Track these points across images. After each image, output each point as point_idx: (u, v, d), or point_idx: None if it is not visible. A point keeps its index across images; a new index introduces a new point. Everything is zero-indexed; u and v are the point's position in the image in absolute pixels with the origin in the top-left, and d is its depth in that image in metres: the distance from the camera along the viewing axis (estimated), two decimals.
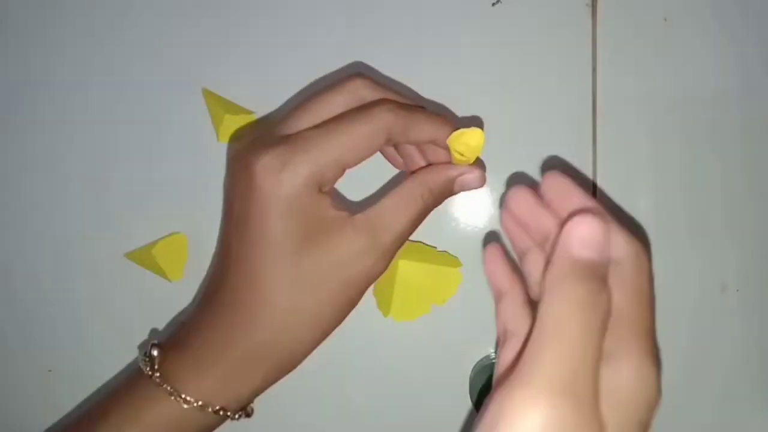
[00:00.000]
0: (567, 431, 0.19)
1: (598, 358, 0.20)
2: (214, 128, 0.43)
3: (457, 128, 0.31)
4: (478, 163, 0.32)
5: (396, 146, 0.35)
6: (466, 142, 0.31)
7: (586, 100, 0.42)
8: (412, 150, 0.34)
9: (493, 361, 0.42)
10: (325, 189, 0.30)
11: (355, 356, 0.44)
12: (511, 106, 0.43)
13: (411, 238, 0.43)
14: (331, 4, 0.43)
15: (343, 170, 0.30)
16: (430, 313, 0.43)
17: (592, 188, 0.43)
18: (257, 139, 0.30)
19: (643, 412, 0.22)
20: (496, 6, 0.43)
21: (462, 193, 0.43)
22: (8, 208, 0.45)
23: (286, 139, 0.29)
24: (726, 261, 0.43)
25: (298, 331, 0.30)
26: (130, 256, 0.44)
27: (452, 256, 0.42)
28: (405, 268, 0.42)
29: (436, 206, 0.32)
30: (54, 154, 0.45)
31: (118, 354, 0.45)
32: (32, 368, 0.45)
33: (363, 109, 0.30)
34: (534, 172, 0.43)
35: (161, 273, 0.43)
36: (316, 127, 0.30)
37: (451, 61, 0.43)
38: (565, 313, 0.20)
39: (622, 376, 0.22)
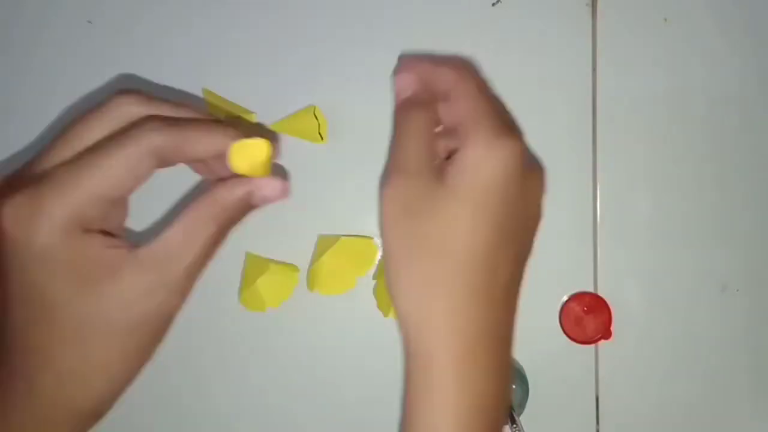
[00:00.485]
0: (408, 195, 0.28)
1: (425, 147, 0.29)
2: None
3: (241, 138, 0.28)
4: (278, 172, 0.29)
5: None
6: (250, 155, 0.27)
7: (586, 100, 0.42)
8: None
9: None
10: (94, 227, 0.26)
11: (356, 356, 0.44)
12: (511, 106, 0.43)
13: None
14: (330, 4, 0.43)
15: (111, 203, 0.26)
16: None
17: (592, 188, 0.43)
18: (5, 184, 0.26)
19: (495, 176, 0.28)
20: (496, 6, 0.43)
21: None
22: None
23: (37, 180, 0.25)
24: (726, 261, 0.43)
25: (88, 381, 0.26)
26: None
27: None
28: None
29: (234, 225, 0.29)
30: None
31: None
32: None
33: (124, 131, 0.26)
34: None
35: None
36: (71, 160, 0.26)
37: None
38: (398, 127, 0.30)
39: (467, 153, 0.28)
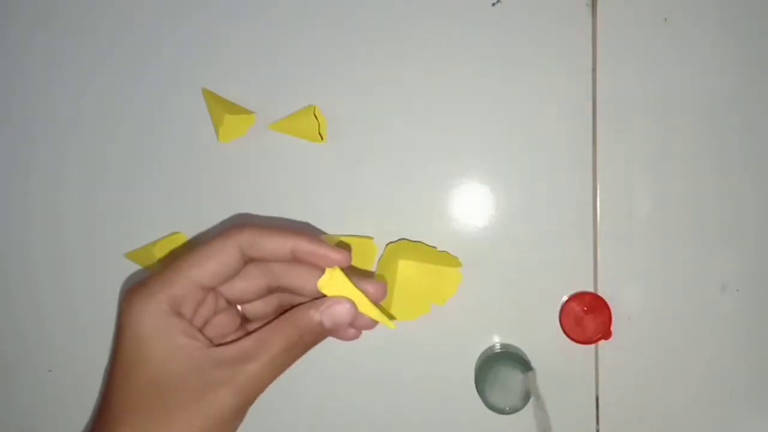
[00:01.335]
0: None
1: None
2: (214, 128, 0.43)
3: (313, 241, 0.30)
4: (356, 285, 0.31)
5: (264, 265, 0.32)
6: (334, 284, 0.30)
7: (586, 100, 0.42)
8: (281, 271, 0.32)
9: (497, 351, 0.42)
10: (184, 310, 0.29)
11: (355, 356, 0.44)
12: (511, 106, 0.43)
13: (411, 238, 0.43)
14: (330, 4, 0.43)
15: (201, 289, 0.29)
16: (430, 313, 0.43)
17: (592, 188, 0.43)
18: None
19: None
20: (496, 6, 0.43)
21: (463, 192, 0.43)
22: (8, 208, 0.45)
23: (157, 274, 0.29)
24: (726, 261, 0.43)
25: None
26: (130, 256, 0.44)
27: (452, 256, 0.42)
28: (405, 268, 0.42)
29: (304, 351, 0.30)
30: (54, 154, 0.45)
31: None
32: (32, 368, 0.45)
33: (218, 234, 0.30)
34: (534, 171, 0.43)
35: None
36: (179, 254, 0.31)
37: (450, 61, 0.43)
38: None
39: None
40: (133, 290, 0.29)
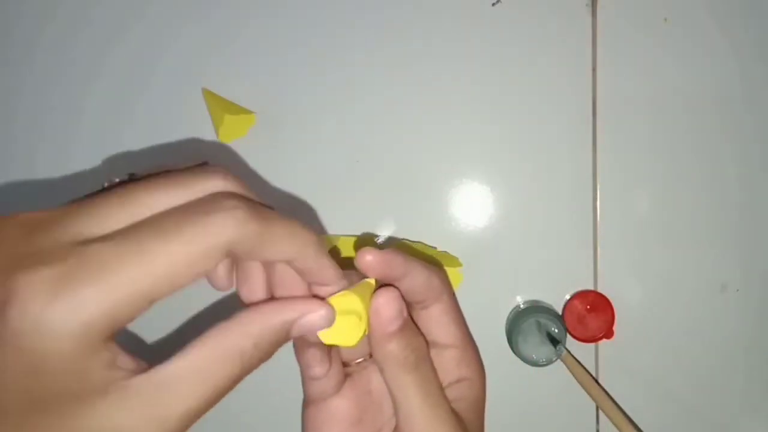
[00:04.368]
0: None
1: (439, 389, 0.26)
2: (214, 128, 0.43)
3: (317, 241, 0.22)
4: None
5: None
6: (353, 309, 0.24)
7: (586, 100, 0.42)
8: (253, 270, 0.24)
9: (523, 307, 0.42)
10: (117, 331, 0.19)
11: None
12: (511, 106, 0.43)
13: (411, 238, 0.43)
14: (330, 3, 0.43)
15: (152, 303, 0.19)
16: None
17: (592, 188, 0.43)
18: (30, 241, 0.19)
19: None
20: (496, 6, 0.43)
21: (463, 192, 0.43)
22: (10, 208, 0.45)
23: (74, 254, 0.18)
24: (726, 261, 0.43)
25: None
26: None
27: (452, 256, 0.42)
28: None
29: (261, 364, 0.22)
30: (54, 153, 0.45)
31: None
32: None
33: (199, 208, 0.20)
34: (534, 171, 0.43)
35: None
36: (123, 236, 0.19)
37: (450, 61, 0.43)
38: (403, 381, 0.25)
39: (474, 386, 0.29)
40: (43, 297, 0.17)
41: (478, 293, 0.43)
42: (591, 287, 0.43)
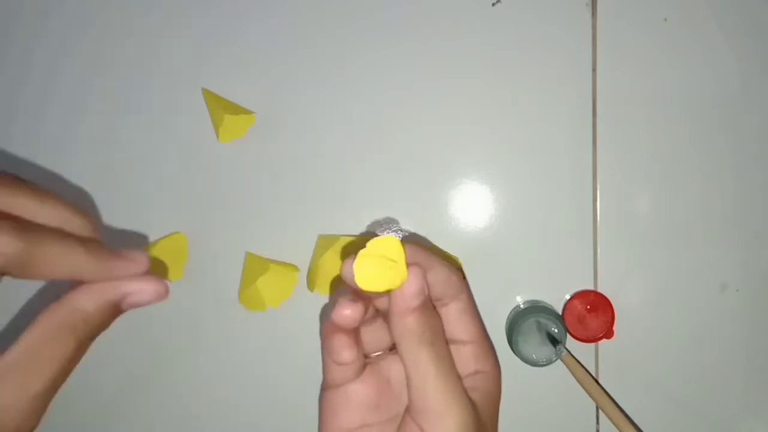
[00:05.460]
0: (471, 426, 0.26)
1: (453, 367, 0.27)
2: (214, 128, 0.43)
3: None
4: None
5: None
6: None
7: (586, 100, 0.42)
8: None
9: (523, 307, 0.42)
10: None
11: None
12: (511, 106, 0.43)
13: (411, 238, 0.43)
14: (330, 3, 0.43)
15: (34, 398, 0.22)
16: None
17: (592, 188, 0.43)
18: None
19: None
20: (496, 6, 0.43)
21: (463, 192, 0.43)
22: None
23: None
24: (726, 261, 0.43)
25: None
26: None
27: (452, 256, 0.42)
28: None
29: (97, 336, 0.23)
30: (54, 154, 0.45)
31: (117, 354, 0.45)
32: None
33: None
34: (534, 171, 0.43)
35: (162, 273, 0.43)
36: None
37: (451, 60, 0.43)
38: (417, 358, 0.26)
39: (489, 377, 0.29)
40: None
41: (478, 293, 0.43)
42: (591, 287, 0.43)
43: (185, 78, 0.44)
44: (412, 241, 0.43)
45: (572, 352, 0.42)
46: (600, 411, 0.43)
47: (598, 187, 0.43)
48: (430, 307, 0.27)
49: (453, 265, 0.42)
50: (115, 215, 0.44)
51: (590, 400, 0.41)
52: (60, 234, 0.23)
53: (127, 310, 0.25)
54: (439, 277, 0.28)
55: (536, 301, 0.43)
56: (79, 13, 0.44)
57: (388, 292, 0.26)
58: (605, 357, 0.43)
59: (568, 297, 0.42)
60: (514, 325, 0.41)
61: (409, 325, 0.26)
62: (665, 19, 0.42)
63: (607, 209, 0.43)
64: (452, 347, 0.28)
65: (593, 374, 0.43)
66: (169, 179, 0.44)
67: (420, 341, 0.26)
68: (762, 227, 0.42)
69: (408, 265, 0.26)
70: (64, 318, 0.23)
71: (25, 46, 0.45)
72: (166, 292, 0.25)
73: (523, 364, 0.41)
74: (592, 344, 0.43)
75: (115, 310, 0.24)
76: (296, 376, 0.44)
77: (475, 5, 0.43)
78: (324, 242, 0.43)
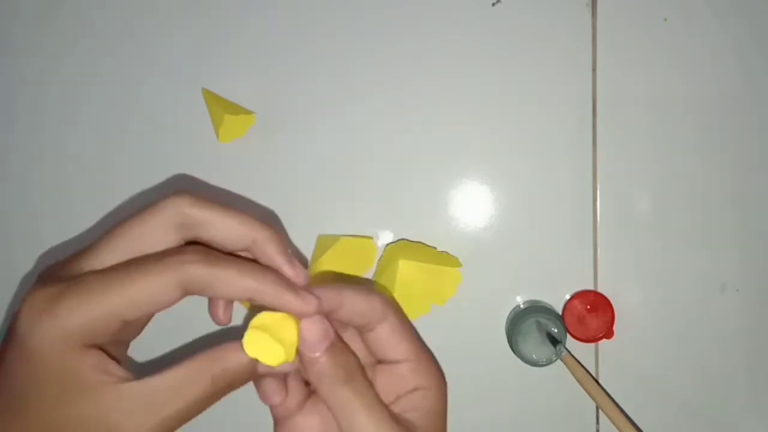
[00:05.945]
0: None
1: (377, 399, 0.27)
2: (214, 128, 0.43)
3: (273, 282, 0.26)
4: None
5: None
6: (277, 333, 0.26)
7: (586, 100, 0.42)
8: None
9: (523, 307, 0.42)
10: (97, 342, 0.25)
11: None
12: (511, 106, 0.43)
13: (411, 238, 0.43)
14: (330, 3, 0.43)
15: (123, 323, 0.25)
16: (430, 313, 0.43)
17: (592, 188, 0.43)
18: (46, 271, 0.26)
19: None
20: (496, 6, 0.43)
21: (463, 192, 0.43)
22: (8, 209, 0.45)
23: (70, 281, 0.25)
24: (726, 261, 0.43)
25: None
26: None
27: (452, 256, 0.42)
28: (405, 268, 0.42)
29: (232, 390, 0.26)
30: (54, 154, 0.45)
31: None
32: None
33: (163, 254, 0.25)
34: (534, 171, 0.43)
35: None
36: (103, 270, 0.25)
37: (450, 61, 0.43)
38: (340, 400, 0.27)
39: (430, 397, 0.30)
40: (39, 307, 0.24)
41: (478, 293, 0.43)
42: (591, 287, 0.43)
43: (185, 78, 0.44)
44: (415, 240, 0.43)
45: (572, 352, 0.42)
46: (600, 411, 0.43)
47: (598, 187, 0.43)
48: (339, 345, 0.28)
49: (453, 264, 0.42)
50: (114, 215, 0.44)
51: (590, 400, 0.41)
52: (239, 261, 0.26)
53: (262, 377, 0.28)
54: (355, 308, 0.28)
55: (536, 301, 0.43)
56: (78, 13, 0.44)
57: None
58: (605, 357, 0.43)
59: (568, 297, 0.42)
60: (514, 325, 0.41)
61: (321, 369, 0.27)
62: (665, 19, 0.42)
63: (607, 209, 0.43)
64: (388, 368, 0.29)
65: (593, 374, 0.43)
66: (169, 179, 0.44)
67: (335, 382, 0.27)
68: (762, 227, 0.42)
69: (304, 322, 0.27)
70: (209, 363, 0.26)
71: (24, 46, 0.45)
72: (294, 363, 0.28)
73: (523, 363, 0.41)
74: (592, 344, 0.43)
75: (253, 372, 0.27)
76: None
77: (475, 5, 0.43)
78: (324, 242, 0.43)
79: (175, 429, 0.26)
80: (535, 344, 0.41)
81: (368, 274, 0.43)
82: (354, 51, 0.43)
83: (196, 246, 0.26)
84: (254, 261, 0.27)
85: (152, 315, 0.26)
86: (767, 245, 0.43)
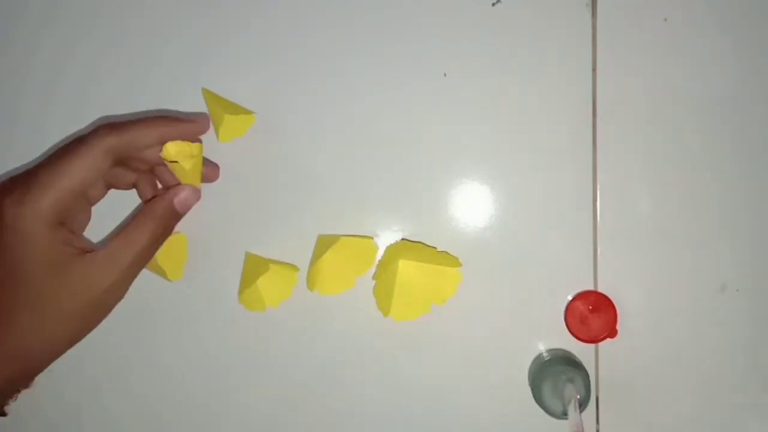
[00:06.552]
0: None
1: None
2: (214, 128, 0.43)
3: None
4: (201, 172, 0.39)
5: (129, 167, 0.39)
6: (181, 153, 0.36)
7: (586, 100, 0.42)
8: (146, 177, 0.40)
9: (546, 359, 0.42)
10: (62, 219, 0.33)
11: (355, 357, 0.44)
12: (511, 106, 0.43)
13: (411, 238, 0.43)
14: (330, 4, 0.43)
15: (79, 198, 0.34)
16: (430, 313, 0.43)
17: (592, 188, 0.43)
18: (9, 182, 0.34)
19: None
20: (496, 6, 0.43)
21: (463, 192, 0.43)
22: None
23: (27, 178, 0.33)
24: (726, 261, 0.43)
25: (37, 347, 0.34)
26: None
27: (452, 256, 0.42)
28: (405, 268, 0.42)
29: (169, 231, 0.37)
30: None
31: (118, 354, 0.45)
32: None
33: (83, 138, 0.34)
34: (534, 171, 0.43)
35: (161, 273, 0.43)
36: (48, 161, 0.34)
37: (450, 60, 0.43)
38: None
39: None
40: (14, 192, 0.32)
41: (478, 293, 0.43)
42: (591, 287, 0.43)
43: (185, 78, 0.44)
44: (415, 240, 0.43)
45: (573, 352, 0.42)
46: (600, 410, 0.43)
47: (598, 187, 0.43)
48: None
49: (453, 264, 0.42)
50: (115, 215, 0.44)
51: (590, 399, 0.41)
52: (144, 119, 0.37)
53: (183, 213, 0.38)
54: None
55: (558, 350, 0.42)
56: (78, 13, 0.44)
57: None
58: (605, 357, 0.43)
59: (570, 298, 0.42)
60: (542, 378, 0.40)
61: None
62: (665, 19, 0.42)
63: (607, 209, 0.43)
64: None
65: (593, 374, 0.43)
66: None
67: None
68: (762, 227, 0.42)
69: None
70: (142, 220, 0.36)
71: (25, 46, 0.45)
72: (197, 195, 0.38)
73: (526, 362, 0.41)
74: (595, 345, 0.43)
75: (173, 213, 0.37)
76: (296, 376, 0.44)
77: (475, 5, 0.43)
78: (324, 242, 0.43)
79: (135, 275, 0.36)
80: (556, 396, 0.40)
81: (368, 274, 0.43)
82: (354, 51, 0.43)
83: (106, 123, 0.35)
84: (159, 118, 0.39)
85: (95, 184, 0.36)
86: (767, 245, 0.43)
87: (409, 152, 0.43)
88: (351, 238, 0.42)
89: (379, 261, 0.43)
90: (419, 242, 0.43)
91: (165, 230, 0.36)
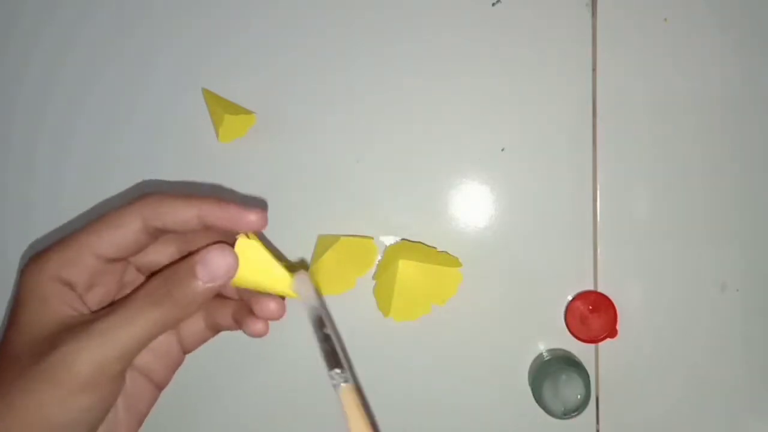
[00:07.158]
0: None
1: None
2: (214, 128, 0.43)
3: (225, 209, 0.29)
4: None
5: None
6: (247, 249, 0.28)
7: (586, 100, 0.42)
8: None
9: (546, 359, 0.42)
10: (75, 279, 0.28)
11: (355, 356, 0.44)
12: (512, 106, 0.43)
13: (411, 238, 0.43)
14: (330, 4, 0.43)
15: (98, 258, 0.29)
16: (430, 313, 0.43)
17: (592, 188, 0.43)
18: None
19: None
20: (496, 6, 0.43)
21: (463, 192, 0.43)
22: (8, 209, 0.45)
23: (58, 241, 0.29)
24: (726, 261, 0.43)
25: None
26: None
27: (452, 256, 0.42)
28: (405, 268, 0.42)
29: (185, 316, 0.28)
30: (54, 154, 0.45)
31: None
32: None
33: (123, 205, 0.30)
34: (534, 171, 0.43)
35: None
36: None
37: (451, 60, 0.43)
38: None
39: None
40: (33, 256, 0.29)
41: (478, 293, 0.43)
42: (591, 287, 0.43)
43: (185, 78, 0.44)
44: (415, 240, 0.43)
45: (573, 352, 0.42)
46: (600, 410, 0.43)
47: (598, 187, 0.43)
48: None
49: (453, 264, 0.42)
50: None
51: (590, 399, 0.41)
52: (187, 196, 0.29)
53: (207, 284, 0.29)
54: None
55: (557, 350, 0.42)
56: (78, 13, 0.44)
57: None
58: (605, 357, 0.43)
59: (570, 298, 0.42)
60: (542, 378, 0.40)
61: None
62: (665, 19, 0.42)
63: (607, 209, 0.43)
64: None
65: (593, 374, 0.43)
66: (169, 179, 0.44)
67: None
68: (762, 227, 0.42)
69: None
70: (181, 298, 0.28)
71: (24, 46, 0.45)
72: (236, 263, 0.29)
73: (526, 362, 0.42)
74: (595, 345, 0.43)
75: (192, 276, 0.28)
76: (296, 376, 0.44)
77: (475, 5, 0.43)
78: (324, 242, 0.43)
79: (130, 361, 0.28)
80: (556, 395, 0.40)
81: (368, 274, 0.43)
82: (354, 51, 0.43)
83: (148, 193, 0.30)
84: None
85: (125, 254, 0.29)
86: (767, 245, 0.43)
87: (409, 152, 0.43)
88: (351, 238, 0.42)
89: (379, 261, 0.43)
90: (419, 242, 0.43)
91: (179, 315, 0.28)
